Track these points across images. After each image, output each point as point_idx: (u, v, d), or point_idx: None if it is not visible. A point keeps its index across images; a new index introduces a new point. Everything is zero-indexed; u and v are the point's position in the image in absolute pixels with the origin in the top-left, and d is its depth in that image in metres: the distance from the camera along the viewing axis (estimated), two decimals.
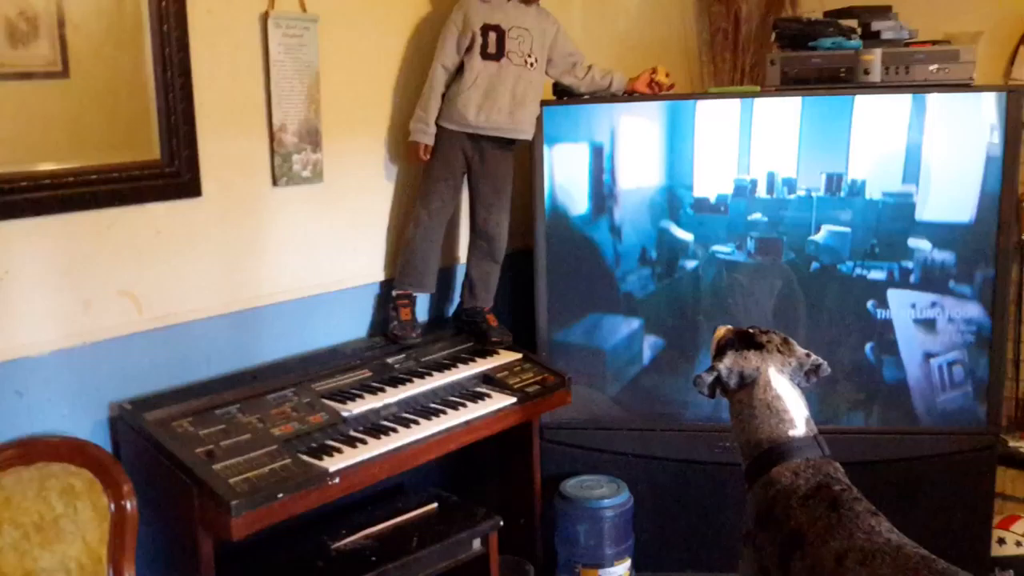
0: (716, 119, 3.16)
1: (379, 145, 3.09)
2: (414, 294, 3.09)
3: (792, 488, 2.00)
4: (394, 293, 3.08)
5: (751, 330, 2.23)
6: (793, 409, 2.11)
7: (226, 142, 2.61)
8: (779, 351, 2.17)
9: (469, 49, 2.98)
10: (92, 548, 2.22)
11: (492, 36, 2.97)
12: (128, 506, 2.25)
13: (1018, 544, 3.30)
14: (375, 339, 3.08)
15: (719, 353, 2.20)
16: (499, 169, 3.11)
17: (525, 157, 3.21)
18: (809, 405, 2.16)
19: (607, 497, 3.16)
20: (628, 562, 3.21)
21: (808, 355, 2.20)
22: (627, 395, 3.32)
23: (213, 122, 2.56)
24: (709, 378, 2.18)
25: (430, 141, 3.01)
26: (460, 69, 3.00)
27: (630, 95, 3.23)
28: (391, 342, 3.02)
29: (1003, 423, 3.51)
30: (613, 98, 3.23)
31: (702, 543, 3.27)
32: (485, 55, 2.98)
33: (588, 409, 3.30)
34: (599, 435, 3.31)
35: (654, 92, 3.22)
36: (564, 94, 3.26)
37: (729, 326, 2.28)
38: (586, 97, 3.25)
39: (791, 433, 2.08)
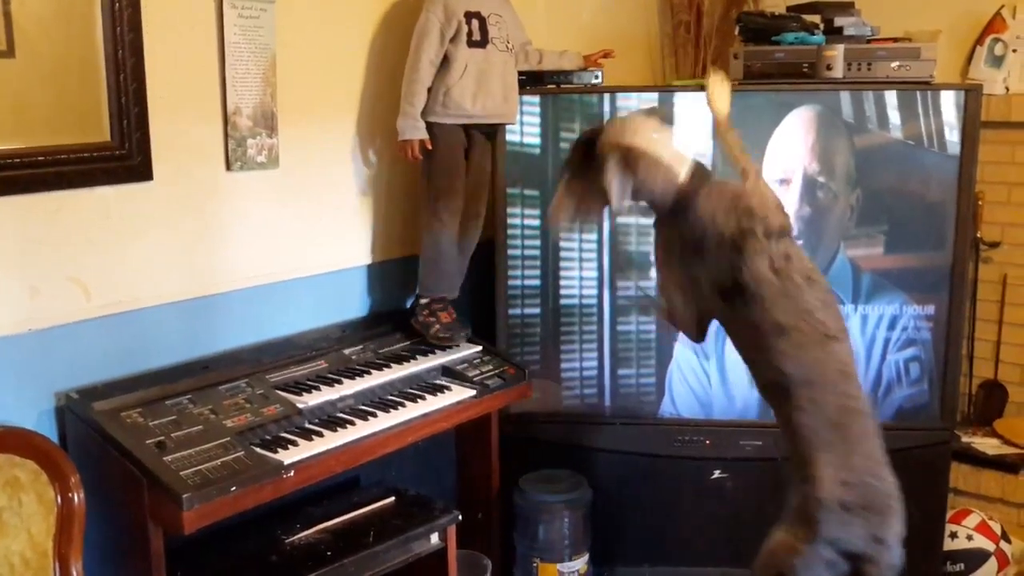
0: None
1: (338, 132, 3.02)
2: (448, 297, 3.03)
3: (712, 222, 2.16)
4: (424, 299, 3.01)
5: None
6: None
7: (179, 125, 2.54)
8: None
9: (454, 38, 2.88)
10: (38, 542, 2.15)
11: (475, 23, 2.90)
12: (75, 498, 2.18)
13: (969, 538, 3.34)
14: (330, 329, 3.02)
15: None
16: (482, 158, 3.06)
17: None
18: None
19: (566, 492, 3.15)
20: (586, 556, 3.20)
21: None
22: (587, 389, 3.30)
23: (165, 104, 2.49)
24: None
25: (424, 135, 2.89)
26: (443, 61, 2.90)
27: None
28: (433, 348, 2.97)
29: (957, 419, 3.56)
30: (587, 89, 3.22)
31: (660, 538, 3.27)
32: (471, 43, 2.89)
33: (548, 403, 3.28)
34: (558, 429, 3.29)
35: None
36: (532, 83, 3.22)
37: None
38: (551, 86, 3.23)
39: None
